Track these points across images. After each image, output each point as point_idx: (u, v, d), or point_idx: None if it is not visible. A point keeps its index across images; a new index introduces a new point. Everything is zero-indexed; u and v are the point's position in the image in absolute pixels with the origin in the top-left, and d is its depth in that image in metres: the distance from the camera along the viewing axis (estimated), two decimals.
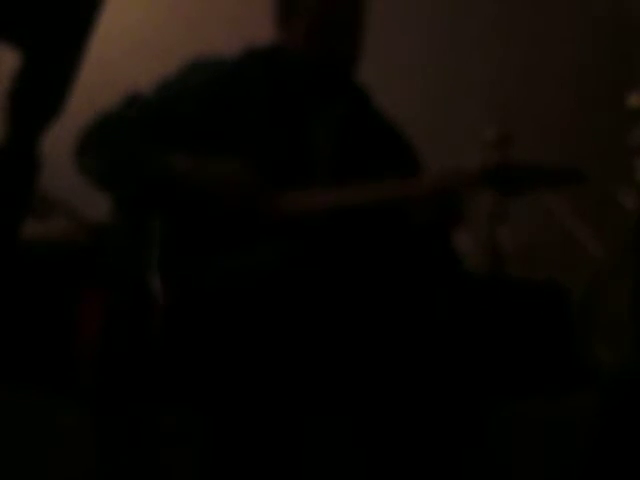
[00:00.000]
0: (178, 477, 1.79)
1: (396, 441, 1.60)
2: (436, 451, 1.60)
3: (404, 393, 1.61)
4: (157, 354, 1.70)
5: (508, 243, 2.99)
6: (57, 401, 2.11)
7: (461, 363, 1.60)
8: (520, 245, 3.04)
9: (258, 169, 1.72)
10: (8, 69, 1.34)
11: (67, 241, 2.71)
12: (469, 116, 3.40)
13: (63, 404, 2.06)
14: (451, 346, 1.61)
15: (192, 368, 1.63)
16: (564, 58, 3.57)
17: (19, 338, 2.37)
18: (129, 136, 1.76)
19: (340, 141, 1.86)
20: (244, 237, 1.70)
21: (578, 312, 2.88)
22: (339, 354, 1.66)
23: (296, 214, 1.73)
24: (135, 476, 1.79)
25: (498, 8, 3.60)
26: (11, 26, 1.29)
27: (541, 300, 2.79)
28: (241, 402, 1.53)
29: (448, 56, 3.59)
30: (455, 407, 1.60)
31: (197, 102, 1.79)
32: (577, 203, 3.07)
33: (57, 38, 1.33)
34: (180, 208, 1.73)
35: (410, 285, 1.71)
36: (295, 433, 1.58)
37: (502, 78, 3.56)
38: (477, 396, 1.63)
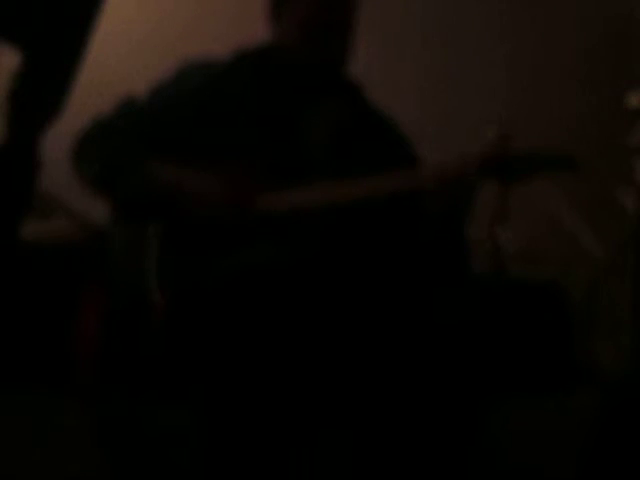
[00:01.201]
0: (177, 476, 1.79)
1: (396, 439, 1.60)
2: (436, 451, 1.60)
3: (404, 392, 1.61)
4: (156, 353, 1.70)
5: (508, 243, 2.99)
6: (57, 400, 2.11)
7: (460, 362, 1.60)
8: (520, 245, 3.04)
9: (254, 171, 1.72)
10: (8, 69, 1.34)
11: (67, 241, 2.71)
12: (469, 115, 3.39)
13: (63, 403, 2.06)
14: (451, 346, 1.61)
15: (191, 367, 1.63)
16: (564, 58, 3.57)
17: (19, 338, 2.37)
18: (122, 143, 1.77)
19: (336, 138, 1.85)
20: (242, 237, 1.70)
21: (578, 312, 2.88)
22: (339, 352, 1.66)
23: (296, 212, 1.73)
24: (135, 475, 1.79)
25: (499, 8, 3.60)
26: (11, 26, 1.29)
27: (541, 300, 2.79)
28: (240, 401, 1.53)
29: (449, 56, 3.59)
30: (454, 407, 1.60)
31: (190, 108, 1.80)
32: (577, 203, 3.07)
33: (57, 38, 1.33)
34: (171, 215, 1.74)
35: (410, 284, 1.71)
36: (294, 433, 1.58)
37: (502, 78, 3.56)
38: (477, 396, 1.63)
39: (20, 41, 1.31)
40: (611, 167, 2.84)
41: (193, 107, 1.79)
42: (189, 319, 1.65)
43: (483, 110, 3.31)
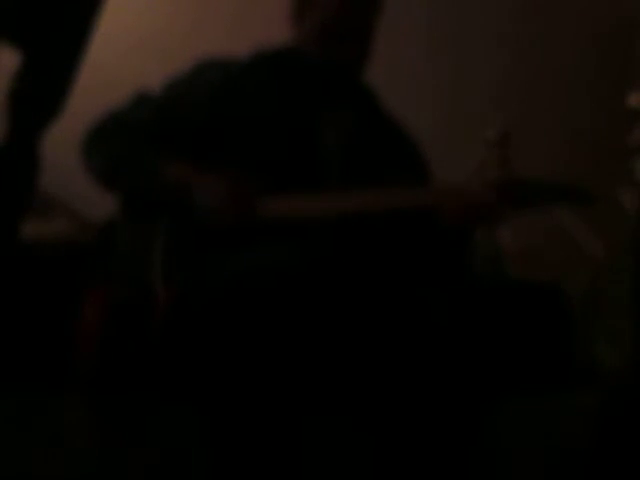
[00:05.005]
0: (178, 474, 1.79)
1: (397, 439, 1.60)
2: (437, 451, 1.60)
3: (405, 393, 1.61)
4: (159, 352, 1.70)
5: (508, 243, 2.99)
6: (59, 399, 2.11)
7: (460, 363, 1.61)
8: (520, 245, 3.04)
9: (266, 171, 1.71)
10: (8, 69, 1.34)
11: (67, 241, 2.71)
12: (470, 116, 3.40)
13: (64, 402, 2.06)
14: (451, 347, 1.61)
15: (194, 366, 1.63)
16: (564, 58, 3.58)
17: (20, 337, 2.37)
18: (133, 137, 1.76)
19: (349, 143, 1.85)
20: (251, 237, 1.69)
21: (578, 312, 2.88)
22: (343, 353, 1.66)
23: (306, 218, 1.72)
24: (136, 472, 1.79)
25: (500, 10, 3.61)
26: (11, 26, 1.30)
27: (541, 301, 2.79)
28: (242, 400, 1.53)
29: (450, 57, 3.60)
30: (454, 407, 1.60)
31: (205, 105, 1.79)
32: None
33: (57, 38, 1.33)
34: (179, 214, 1.73)
35: (412, 286, 1.71)
36: (296, 433, 1.58)
37: (503, 78, 3.57)
38: (477, 396, 1.64)
39: (20, 41, 1.31)
40: (611, 167, 2.83)
41: (208, 105, 1.79)
42: (194, 316, 1.65)
43: (483, 111, 3.31)
